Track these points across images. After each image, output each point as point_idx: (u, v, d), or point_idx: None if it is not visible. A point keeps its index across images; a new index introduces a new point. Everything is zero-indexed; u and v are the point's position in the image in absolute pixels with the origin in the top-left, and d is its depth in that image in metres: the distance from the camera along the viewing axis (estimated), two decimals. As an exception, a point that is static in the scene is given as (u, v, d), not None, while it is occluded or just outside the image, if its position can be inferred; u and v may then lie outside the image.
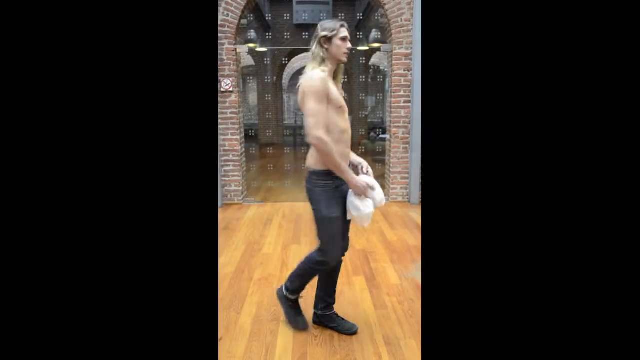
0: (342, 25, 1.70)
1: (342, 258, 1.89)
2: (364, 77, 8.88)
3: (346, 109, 1.70)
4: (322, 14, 8.50)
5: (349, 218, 1.74)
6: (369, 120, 9.25)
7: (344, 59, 1.71)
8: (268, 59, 9.41)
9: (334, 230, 1.72)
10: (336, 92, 1.67)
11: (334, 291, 1.99)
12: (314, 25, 1.77)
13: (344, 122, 1.70)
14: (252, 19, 6.88)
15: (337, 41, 1.66)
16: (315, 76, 1.61)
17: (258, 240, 3.33)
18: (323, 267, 1.82)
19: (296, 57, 10.72)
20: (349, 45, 1.70)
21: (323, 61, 1.67)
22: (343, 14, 8.65)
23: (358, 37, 8.58)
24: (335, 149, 1.61)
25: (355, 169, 1.81)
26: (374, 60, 8.95)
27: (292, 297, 1.98)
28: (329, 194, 1.70)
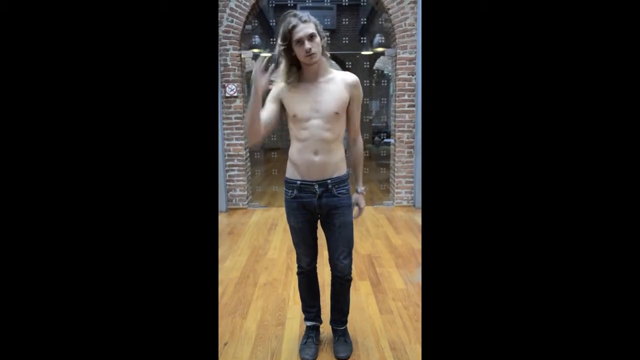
0: (293, 26, 1.41)
1: (317, 270, 1.85)
2: (368, 81, 8.88)
3: (304, 116, 1.53)
4: (325, 19, 8.52)
5: None
6: (373, 124, 9.24)
7: (309, 62, 1.47)
8: (272, 64, 9.38)
9: (296, 238, 1.74)
10: (293, 99, 1.54)
11: (314, 305, 1.90)
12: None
13: (302, 130, 1.56)
14: (256, 24, 6.91)
15: (294, 47, 1.46)
16: None
17: (263, 245, 3.33)
18: (299, 271, 1.82)
19: (300, 62, 10.70)
20: (307, 45, 1.42)
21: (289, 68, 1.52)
22: (347, 19, 8.67)
23: (362, 41, 8.59)
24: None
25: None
26: (378, 64, 8.95)
27: (305, 322, 1.92)
28: (288, 202, 1.68)
